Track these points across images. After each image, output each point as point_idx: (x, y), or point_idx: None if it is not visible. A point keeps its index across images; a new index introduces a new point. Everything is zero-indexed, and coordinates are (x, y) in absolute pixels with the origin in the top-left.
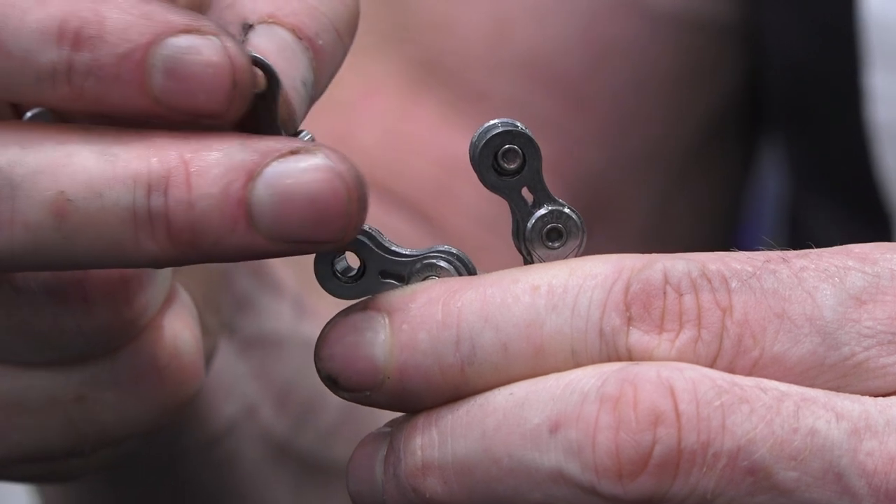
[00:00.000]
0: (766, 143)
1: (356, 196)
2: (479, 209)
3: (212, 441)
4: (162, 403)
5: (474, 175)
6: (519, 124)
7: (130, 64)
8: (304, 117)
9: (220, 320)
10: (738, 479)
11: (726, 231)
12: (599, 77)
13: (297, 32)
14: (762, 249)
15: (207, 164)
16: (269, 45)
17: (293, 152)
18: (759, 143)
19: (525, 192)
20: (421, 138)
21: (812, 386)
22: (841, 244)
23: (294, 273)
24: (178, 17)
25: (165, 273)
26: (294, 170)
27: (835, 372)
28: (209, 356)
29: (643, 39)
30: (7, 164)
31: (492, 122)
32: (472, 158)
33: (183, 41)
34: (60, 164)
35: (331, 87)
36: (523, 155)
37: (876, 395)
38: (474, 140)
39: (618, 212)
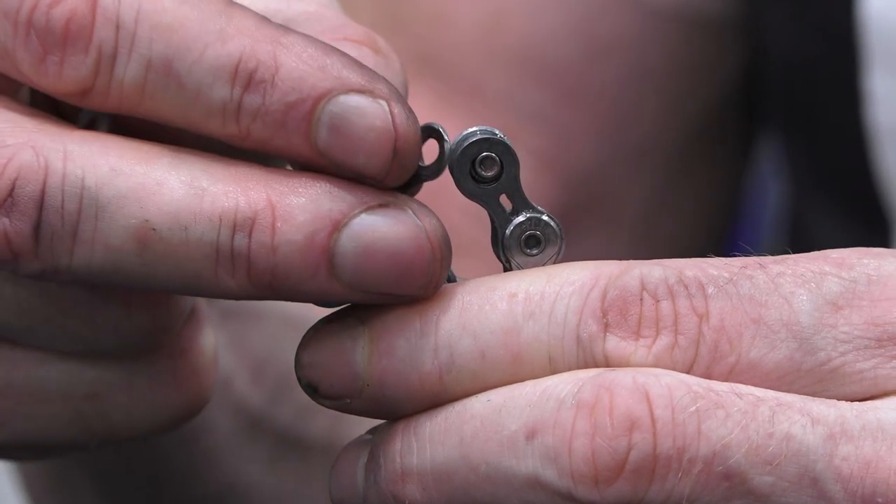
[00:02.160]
0: (766, 142)
1: (440, 256)
2: (471, 203)
3: None
4: (173, 412)
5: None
6: (497, 132)
7: (297, 115)
8: None
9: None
10: (714, 484)
11: (723, 227)
12: (595, 71)
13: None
14: (739, 255)
15: (294, 210)
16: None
17: (382, 205)
18: (757, 139)
19: (503, 199)
20: None
21: (788, 391)
22: (842, 245)
23: None
24: (354, 75)
25: None
26: (380, 224)
27: (811, 377)
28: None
29: (639, 34)
30: (95, 185)
31: (470, 129)
32: (449, 166)
33: (352, 101)
34: (149, 191)
35: None
36: (501, 162)
37: (852, 400)
38: (452, 147)
39: (612, 207)
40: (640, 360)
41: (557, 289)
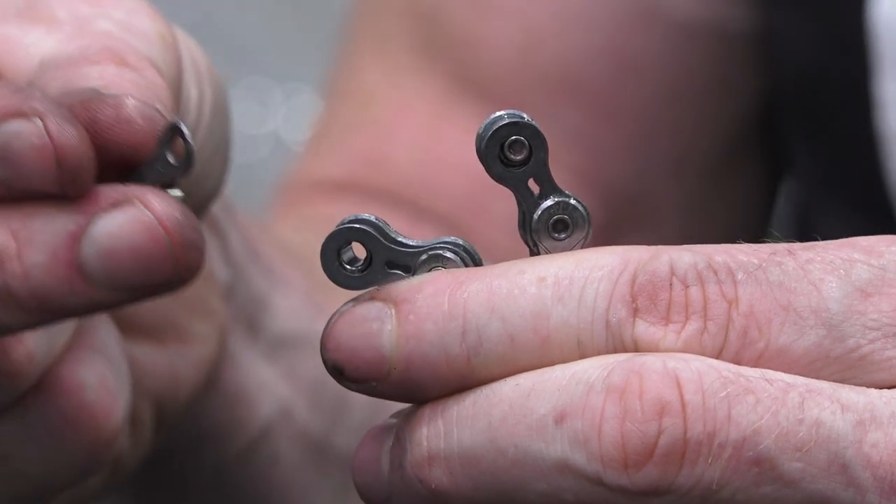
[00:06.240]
0: (779, 147)
1: (178, 240)
2: (513, 223)
3: (250, 446)
4: (83, 451)
5: (508, 189)
6: (525, 116)
7: None
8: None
9: (218, 323)
10: (744, 469)
11: (756, 236)
12: (626, 89)
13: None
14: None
15: (33, 233)
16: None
17: (114, 205)
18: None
19: (531, 183)
20: (454, 154)
21: (817, 378)
22: None
23: (301, 274)
24: (4, 101)
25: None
26: (113, 225)
27: (840, 364)
28: (208, 362)
29: (669, 51)
30: None
31: (498, 113)
32: (478, 150)
33: (10, 127)
34: None
35: (364, 106)
36: (529, 146)
37: (881, 388)
38: (480, 132)
39: (647, 221)
40: (669, 346)
41: (587, 273)
